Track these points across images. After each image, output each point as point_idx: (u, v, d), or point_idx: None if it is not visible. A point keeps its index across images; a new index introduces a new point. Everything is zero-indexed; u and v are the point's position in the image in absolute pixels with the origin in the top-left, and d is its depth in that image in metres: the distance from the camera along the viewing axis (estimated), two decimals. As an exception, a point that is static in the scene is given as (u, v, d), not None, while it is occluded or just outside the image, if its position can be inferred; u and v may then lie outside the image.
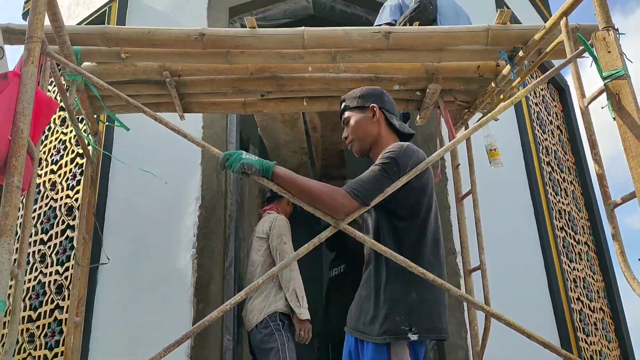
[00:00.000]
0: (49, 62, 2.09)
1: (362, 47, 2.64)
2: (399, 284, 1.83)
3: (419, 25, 3.14)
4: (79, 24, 4.41)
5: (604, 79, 2.01)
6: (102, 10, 4.31)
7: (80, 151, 3.96)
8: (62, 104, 3.96)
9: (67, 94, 2.60)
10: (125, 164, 3.17)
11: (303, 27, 2.57)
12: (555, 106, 5.45)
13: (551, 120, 5.19)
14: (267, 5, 4.22)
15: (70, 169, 4.00)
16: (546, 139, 4.87)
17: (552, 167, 4.77)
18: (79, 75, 2.38)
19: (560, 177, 4.88)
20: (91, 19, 4.37)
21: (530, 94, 4.88)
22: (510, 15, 2.67)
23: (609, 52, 2.02)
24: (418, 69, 2.91)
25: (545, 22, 5.86)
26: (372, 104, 2.08)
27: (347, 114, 2.13)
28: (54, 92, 4.30)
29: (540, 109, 5.02)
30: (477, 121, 3.26)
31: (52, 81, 3.87)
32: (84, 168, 3.87)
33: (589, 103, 2.14)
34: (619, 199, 1.96)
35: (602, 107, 2.09)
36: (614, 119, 1.97)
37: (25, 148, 1.79)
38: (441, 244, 1.96)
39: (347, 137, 2.13)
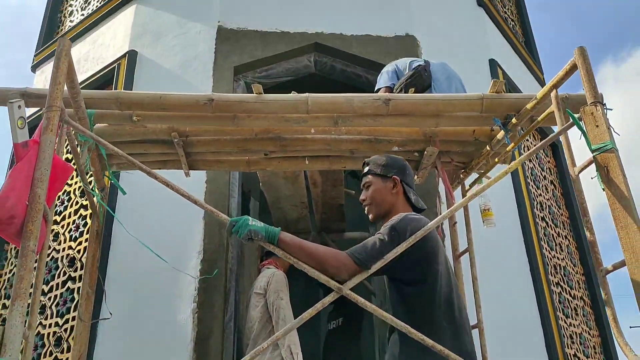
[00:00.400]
0: (66, 128, 2.20)
1: (363, 112, 2.77)
2: (414, 348, 1.88)
3: (414, 91, 3.31)
4: (88, 79, 4.56)
5: (592, 151, 2.12)
6: (111, 67, 4.46)
7: (84, 203, 4.04)
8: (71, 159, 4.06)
9: (79, 152, 2.70)
10: (131, 234, 3.23)
11: (307, 94, 2.70)
12: (549, 161, 5.59)
13: (545, 175, 5.32)
14: (270, 64, 4.39)
15: (74, 221, 4.06)
16: (540, 195, 4.98)
17: (547, 222, 4.86)
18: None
19: (555, 231, 4.97)
20: (100, 74, 4.53)
21: (524, 150, 5.02)
22: (503, 85, 2.80)
23: (597, 126, 2.14)
24: (416, 133, 3.03)
25: (536, 78, 6.06)
26: (394, 176, 2.19)
27: (369, 178, 2.23)
28: (66, 149, 4.41)
29: (534, 165, 5.16)
30: (474, 180, 3.39)
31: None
32: (88, 220, 3.94)
33: (580, 172, 2.25)
34: (610, 266, 2.04)
35: (592, 178, 2.20)
36: (604, 189, 2.08)
37: (41, 213, 1.88)
38: (456, 306, 1.99)
39: (365, 200, 2.23)
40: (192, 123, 2.83)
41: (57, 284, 3.85)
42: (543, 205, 4.95)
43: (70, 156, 4.15)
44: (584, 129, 2.15)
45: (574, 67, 2.34)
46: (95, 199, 3.10)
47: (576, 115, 2.24)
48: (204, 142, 3.01)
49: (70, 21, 5.49)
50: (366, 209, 2.25)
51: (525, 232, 4.37)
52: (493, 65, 4.86)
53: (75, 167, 2.66)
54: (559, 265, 4.73)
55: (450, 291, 2.01)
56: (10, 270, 4.36)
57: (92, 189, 3.00)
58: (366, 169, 2.26)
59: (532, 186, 4.88)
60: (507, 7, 6.25)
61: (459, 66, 4.00)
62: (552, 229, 4.91)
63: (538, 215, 4.72)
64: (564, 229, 5.22)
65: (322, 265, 1.91)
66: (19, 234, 1.84)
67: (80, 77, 4.69)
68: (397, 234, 1.95)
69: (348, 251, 1.96)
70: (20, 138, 1.86)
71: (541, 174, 5.25)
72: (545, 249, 4.56)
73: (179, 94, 2.65)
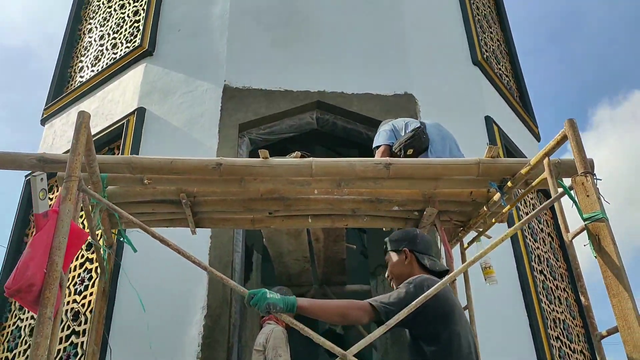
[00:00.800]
0: (82, 194, 2.31)
1: (365, 175, 2.89)
2: None
3: (412, 152, 3.45)
4: (97, 134, 4.70)
5: (584, 220, 2.23)
6: (120, 123, 4.62)
7: (90, 256, 4.11)
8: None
9: (91, 213, 2.80)
10: (134, 289, 3.30)
11: (311, 158, 2.83)
12: (546, 214, 5.70)
13: (542, 228, 5.41)
14: (274, 121, 4.55)
15: (79, 274, 4.12)
16: (538, 247, 5.06)
17: (545, 276, 4.93)
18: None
19: (554, 284, 5.02)
20: (109, 130, 4.67)
21: (521, 204, 5.13)
22: (498, 151, 2.93)
23: (588, 196, 2.26)
24: (416, 194, 3.15)
25: (531, 132, 6.22)
26: (404, 248, 2.43)
27: (388, 255, 2.51)
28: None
29: (531, 218, 5.25)
30: (473, 239, 3.48)
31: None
32: (93, 274, 4.01)
33: (573, 238, 2.35)
34: (604, 331, 2.13)
35: (584, 245, 2.30)
36: (596, 257, 2.17)
37: (58, 280, 1.96)
38: None
39: (388, 276, 2.49)
40: (200, 185, 2.94)
41: (61, 338, 3.88)
42: (541, 258, 5.03)
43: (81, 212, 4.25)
44: (576, 199, 2.26)
45: (564, 138, 2.47)
46: (103, 255, 3.18)
47: (568, 184, 2.36)
48: (211, 202, 3.12)
49: (81, 77, 5.69)
50: (389, 281, 2.49)
51: (524, 286, 4.43)
52: (489, 122, 5.03)
53: (87, 230, 2.75)
54: (558, 319, 4.77)
55: (470, 353, 2.12)
56: (14, 323, 4.39)
57: (101, 246, 3.08)
58: (385, 246, 2.52)
59: (529, 239, 4.97)
60: (501, 64, 6.49)
61: (456, 124, 4.17)
62: (550, 282, 4.97)
63: (536, 268, 4.79)
64: (563, 281, 5.28)
65: (345, 316, 2.11)
66: (37, 301, 1.92)
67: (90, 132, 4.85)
68: (413, 287, 2.14)
69: (370, 300, 2.14)
70: (41, 209, 1.97)
71: (538, 226, 5.34)
72: (544, 302, 4.61)
73: (189, 158, 2.77)
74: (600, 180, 2.32)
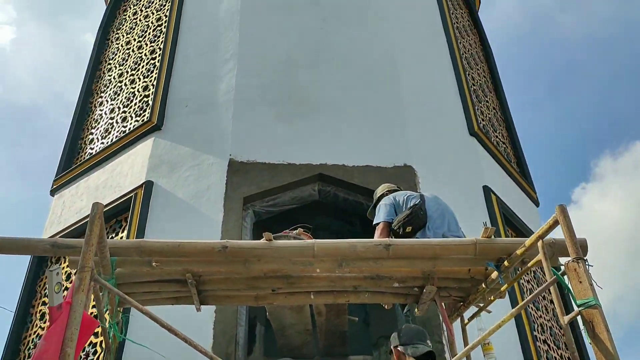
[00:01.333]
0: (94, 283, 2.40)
1: (365, 256, 2.98)
2: None
3: (411, 229, 3.56)
4: (106, 206, 4.82)
5: (577, 305, 2.31)
6: (128, 196, 4.76)
7: (95, 330, 4.14)
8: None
9: (100, 296, 2.88)
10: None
11: (314, 240, 2.94)
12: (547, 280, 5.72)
13: (544, 295, 5.43)
14: (277, 194, 4.69)
15: (84, 348, 4.14)
16: (540, 316, 5.07)
17: (549, 345, 4.91)
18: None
19: (558, 354, 5.00)
20: (118, 202, 4.81)
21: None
22: (494, 232, 3.03)
23: (581, 282, 2.35)
24: (415, 272, 3.23)
25: (529, 197, 6.32)
26: (392, 347, 2.74)
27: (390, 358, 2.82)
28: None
29: (533, 286, 5.29)
30: (473, 315, 3.53)
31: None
32: (98, 348, 4.03)
33: (570, 321, 2.42)
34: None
35: (580, 329, 2.37)
36: (590, 344, 2.24)
37: (69, 372, 2.03)
38: None
39: None
40: (206, 265, 3.03)
41: (63, 416, 3.87)
42: (544, 327, 5.03)
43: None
44: (569, 285, 2.35)
45: (556, 222, 2.58)
46: (109, 335, 3.24)
47: (561, 270, 2.45)
48: (216, 281, 3.20)
49: (91, 148, 5.89)
50: None
51: (527, 357, 4.42)
52: (487, 191, 5.15)
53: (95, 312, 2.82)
54: (564, 390, 4.72)
55: None
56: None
57: (108, 329, 3.14)
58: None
59: (531, 307, 4.99)
60: (498, 131, 6.69)
61: (454, 195, 4.29)
62: (554, 352, 4.95)
63: (539, 338, 4.79)
64: (567, 350, 5.25)
65: None
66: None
67: (98, 204, 4.98)
68: None
69: None
70: (56, 302, 2.06)
71: (540, 293, 5.36)
72: (549, 374, 4.58)
73: (196, 241, 2.88)
74: (592, 266, 2.40)
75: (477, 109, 6.16)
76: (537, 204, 6.44)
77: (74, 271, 4.24)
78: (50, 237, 5.04)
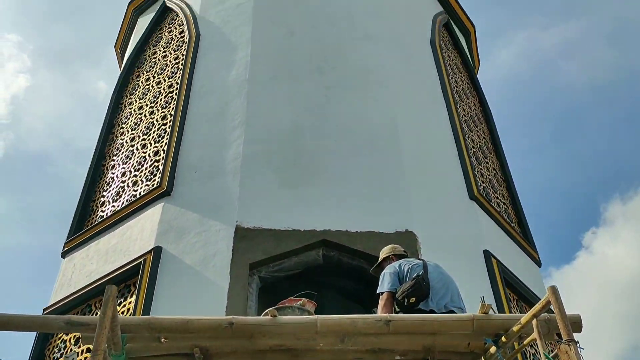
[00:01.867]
0: None
1: (367, 331, 3.09)
2: None
3: (415, 300, 3.66)
4: (115, 271, 4.97)
5: (571, 389, 2.39)
6: (137, 262, 4.89)
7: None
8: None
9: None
10: None
11: (316, 316, 3.06)
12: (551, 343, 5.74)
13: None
14: (282, 259, 4.81)
15: (90, 416, 4.20)
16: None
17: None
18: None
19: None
20: (127, 267, 4.94)
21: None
22: (490, 308, 3.14)
23: (572, 365, 2.44)
24: (416, 345, 3.32)
25: (530, 257, 6.39)
26: None
27: None
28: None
29: (535, 350, 5.31)
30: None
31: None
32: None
33: (563, 403, 2.50)
34: None
35: (573, 413, 2.44)
36: None
37: None
38: None
39: None
40: (212, 340, 3.14)
41: None
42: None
43: None
44: (560, 368, 2.44)
45: (548, 302, 2.70)
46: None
47: (554, 352, 2.55)
48: (223, 355, 3.29)
49: (102, 211, 6.07)
50: None
51: None
52: (487, 255, 5.26)
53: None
54: None
55: None
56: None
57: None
58: None
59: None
60: (498, 192, 6.85)
61: (455, 260, 4.41)
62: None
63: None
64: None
65: None
66: None
67: (108, 268, 5.12)
68: None
69: None
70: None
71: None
72: None
73: (203, 318, 3.01)
74: (583, 349, 2.50)
75: (477, 172, 6.34)
76: (539, 264, 6.52)
77: (86, 347, 4.37)
78: (60, 300, 5.16)
